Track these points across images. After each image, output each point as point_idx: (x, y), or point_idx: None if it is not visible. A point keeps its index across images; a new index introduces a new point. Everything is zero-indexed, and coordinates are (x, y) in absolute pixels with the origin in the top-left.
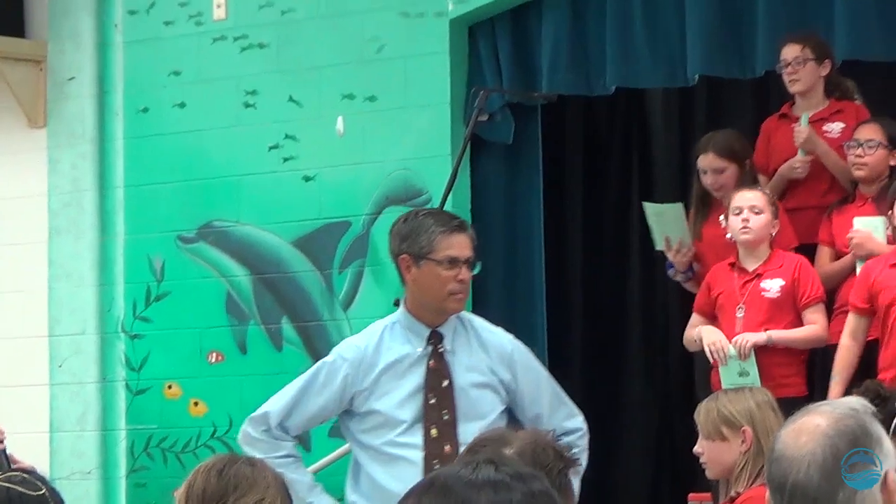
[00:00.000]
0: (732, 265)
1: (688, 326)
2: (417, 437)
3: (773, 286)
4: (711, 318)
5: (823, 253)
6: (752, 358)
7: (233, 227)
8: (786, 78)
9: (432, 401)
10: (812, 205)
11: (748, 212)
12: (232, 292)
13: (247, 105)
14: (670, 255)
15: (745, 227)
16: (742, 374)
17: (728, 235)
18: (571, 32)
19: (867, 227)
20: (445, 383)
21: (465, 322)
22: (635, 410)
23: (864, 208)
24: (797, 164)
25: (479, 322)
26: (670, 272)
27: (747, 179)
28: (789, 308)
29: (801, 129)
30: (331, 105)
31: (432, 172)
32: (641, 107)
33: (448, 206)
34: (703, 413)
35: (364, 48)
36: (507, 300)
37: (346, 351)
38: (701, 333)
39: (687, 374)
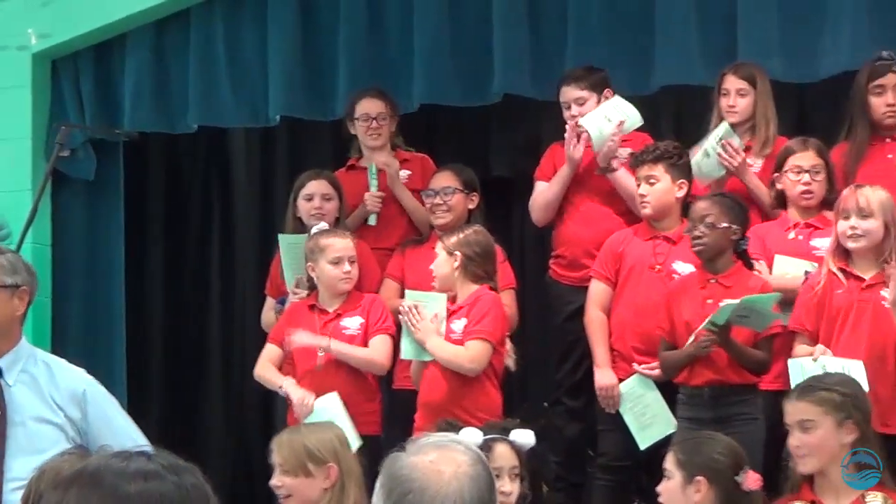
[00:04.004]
0: (312, 307)
1: (262, 357)
2: None
3: (352, 324)
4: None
5: (389, 287)
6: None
7: None
8: (366, 132)
9: None
10: (387, 246)
11: (348, 263)
12: None
13: None
14: (292, 293)
15: (348, 278)
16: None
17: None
18: (154, 70)
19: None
20: None
21: (37, 359)
22: (213, 443)
23: None
24: (375, 199)
25: (54, 360)
26: (277, 307)
27: (341, 222)
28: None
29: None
30: None
31: (13, 207)
32: (224, 146)
33: (28, 241)
34: (287, 446)
35: None
36: (86, 335)
37: None
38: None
39: (265, 409)
